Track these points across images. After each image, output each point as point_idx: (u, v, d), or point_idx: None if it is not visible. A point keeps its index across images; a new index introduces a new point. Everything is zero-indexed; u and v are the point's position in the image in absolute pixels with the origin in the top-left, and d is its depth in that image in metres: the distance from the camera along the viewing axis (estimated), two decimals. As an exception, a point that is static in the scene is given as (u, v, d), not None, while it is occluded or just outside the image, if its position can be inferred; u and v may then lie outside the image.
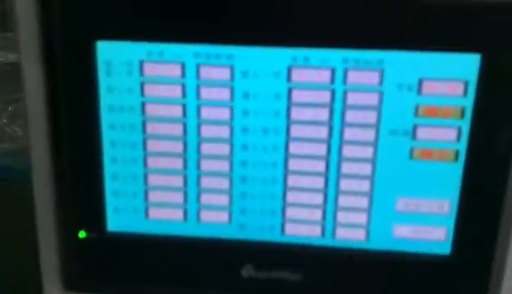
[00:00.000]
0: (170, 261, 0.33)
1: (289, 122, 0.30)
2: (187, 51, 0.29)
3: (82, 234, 0.33)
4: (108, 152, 0.31)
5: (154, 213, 0.33)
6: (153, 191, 0.32)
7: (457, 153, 0.29)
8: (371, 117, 0.29)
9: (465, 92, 0.28)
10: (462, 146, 0.29)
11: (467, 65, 0.28)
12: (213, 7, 0.28)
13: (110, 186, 0.32)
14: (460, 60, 0.28)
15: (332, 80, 0.29)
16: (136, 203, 0.32)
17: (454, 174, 0.30)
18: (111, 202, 0.32)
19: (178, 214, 0.32)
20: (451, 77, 0.28)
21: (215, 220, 0.32)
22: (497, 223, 0.30)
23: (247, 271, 0.32)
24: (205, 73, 0.30)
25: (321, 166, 0.31)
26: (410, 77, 0.28)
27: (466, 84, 0.28)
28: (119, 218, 0.33)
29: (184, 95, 0.30)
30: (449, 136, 0.29)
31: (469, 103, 0.28)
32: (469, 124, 0.29)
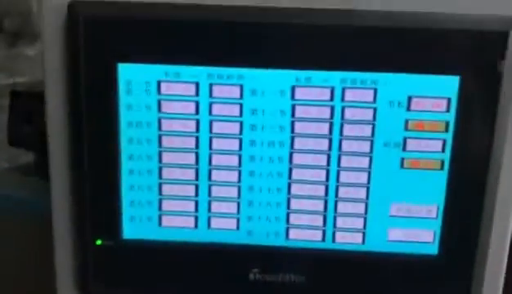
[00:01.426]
0: (182, 266, 0.35)
1: (292, 136, 0.33)
2: (201, 72, 0.32)
3: (98, 242, 0.35)
4: (125, 164, 0.34)
5: (167, 221, 0.35)
6: (166, 200, 0.35)
7: (443, 163, 0.33)
8: (366, 130, 0.33)
9: (448, 108, 0.32)
10: (447, 156, 0.33)
11: (448, 85, 0.32)
12: (225, 34, 0.32)
13: (126, 196, 0.34)
14: (442, 80, 0.32)
15: (331, 98, 0.32)
16: (151, 212, 0.35)
17: (440, 181, 0.33)
18: (127, 211, 0.35)
19: (190, 222, 0.35)
20: (435, 95, 0.32)
21: (224, 226, 0.35)
22: (479, 225, 0.34)
23: (254, 275, 0.35)
24: (217, 91, 0.33)
25: (321, 175, 0.34)
26: (400, 95, 0.32)
27: (449, 101, 0.32)
28: (133, 226, 0.35)
29: (197, 111, 0.33)
30: (435, 147, 0.33)
31: (451, 118, 0.32)
32: (452, 136, 0.32)
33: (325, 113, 0.33)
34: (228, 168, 0.34)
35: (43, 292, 0.40)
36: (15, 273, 0.98)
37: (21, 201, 0.94)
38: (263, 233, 0.35)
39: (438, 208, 0.34)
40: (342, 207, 0.34)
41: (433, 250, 0.34)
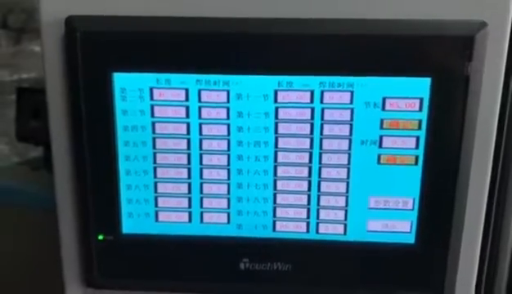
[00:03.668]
0: (177, 258, 0.38)
1: (276, 136, 0.36)
2: (190, 79, 0.35)
3: (100, 237, 0.38)
4: (123, 165, 0.37)
5: (162, 217, 0.38)
6: (162, 198, 0.37)
7: (417, 158, 0.35)
8: (345, 130, 0.35)
9: (421, 108, 0.34)
10: (421, 152, 0.35)
11: (421, 86, 0.34)
12: (211, 43, 0.34)
13: (124, 194, 0.37)
14: (415, 82, 0.34)
15: (311, 100, 0.35)
16: (148, 209, 0.38)
17: (415, 175, 0.36)
18: (126, 208, 0.38)
19: (184, 217, 0.38)
20: (408, 95, 0.34)
21: (216, 221, 0.38)
22: (451, 215, 0.36)
23: (244, 264, 0.38)
24: (205, 96, 0.35)
25: (304, 172, 0.36)
26: (376, 96, 0.34)
27: (421, 101, 0.34)
28: (132, 222, 0.38)
29: (188, 115, 0.36)
30: (409, 144, 0.35)
31: (424, 116, 0.35)
32: (425, 134, 0.35)
33: (306, 114, 0.35)
34: (218, 167, 0.37)
35: (51, 284, 0.44)
36: (25, 264, 1.02)
37: (30, 194, 0.98)
38: (252, 226, 0.38)
39: (414, 200, 0.36)
40: (324, 201, 0.37)
41: (411, 239, 0.37)
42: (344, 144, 0.35)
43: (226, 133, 0.36)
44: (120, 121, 0.36)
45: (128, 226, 0.38)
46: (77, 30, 0.34)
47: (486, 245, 0.41)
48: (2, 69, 1.44)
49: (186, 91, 0.35)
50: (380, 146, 0.35)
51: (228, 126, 0.36)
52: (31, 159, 1.16)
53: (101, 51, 0.35)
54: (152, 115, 0.36)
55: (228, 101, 0.35)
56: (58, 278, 0.40)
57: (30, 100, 1.04)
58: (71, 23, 0.34)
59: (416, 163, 0.35)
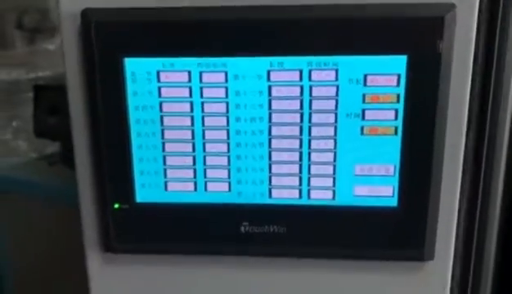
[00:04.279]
0: (185, 223, 0.43)
1: (270, 112, 0.40)
2: (192, 62, 0.39)
3: (116, 205, 0.43)
4: (135, 141, 0.41)
5: (171, 186, 0.42)
6: (170, 169, 0.42)
7: (396, 129, 0.39)
8: (331, 104, 0.39)
9: (398, 83, 0.38)
10: (399, 123, 0.39)
11: (398, 63, 0.38)
12: (210, 30, 0.38)
13: (137, 167, 0.42)
14: (392, 59, 0.38)
15: (300, 78, 0.39)
16: (158, 180, 0.42)
17: (395, 144, 0.40)
18: (139, 180, 0.42)
19: (190, 186, 0.42)
20: (387, 72, 0.38)
21: (218, 189, 0.42)
22: (429, 179, 0.40)
23: (244, 227, 0.42)
24: (206, 78, 0.40)
25: (296, 143, 0.40)
26: (358, 73, 0.38)
27: (399, 77, 0.38)
28: (144, 192, 0.42)
29: (191, 95, 0.40)
30: (389, 116, 0.39)
31: (402, 91, 0.38)
32: (403, 106, 0.39)
33: (296, 91, 0.39)
34: (219, 141, 0.41)
35: (70, 266, 0.48)
36: (43, 252, 1.07)
37: (48, 187, 1.03)
38: (250, 194, 0.42)
39: (395, 167, 0.40)
40: (314, 169, 0.41)
41: (393, 202, 0.41)
42: (331, 118, 0.40)
43: (225, 110, 0.40)
44: (132, 101, 0.40)
45: (141, 196, 0.43)
46: (91, 21, 0.38)
47: (472, 234, 0.45)
48: (19, 68, 1.50)
49: (189, 73, 0.39)
50: (363, 118, 0.39)
51: (227, 103, 0.40)
52: (48, 154, 1.21)
53: (113, 39, 0.39)
54: (159, 95, 0.40)
55: (226, 81, 0.39)
56: (74, 263, 0.45)
57: (47, 97, 1.09)
58: (86, 15, 0.39)
59: (396, 133, 0.39)
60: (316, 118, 0.40)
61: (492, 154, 0.44)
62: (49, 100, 1.08)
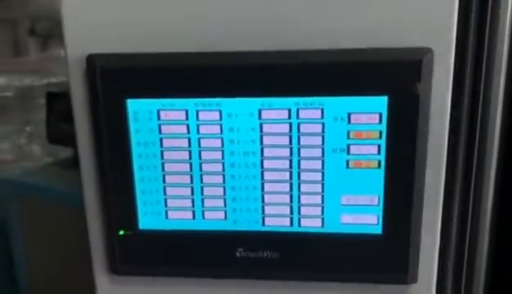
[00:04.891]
0: (184, 249, 0.46)
1: (262, 147, 0.43)
2: (189, 103, 0.42)
3: (121, 232, 0.46)
4: (138, 173, 0.45)
5: (171, 215, 0.46)
6: (170, 199, 0.45)
7: (379, 163, 0.42)
8: (318, 140, 0.42)
9: (380, 121, 0.41)
10: (382, 157, 0.42)
11: (379, 103, 0.41)
12: (206, 74, 0.41)
13: (140, 197, 0.45)
14: (374, 100, 0.41)
15: (289, 116, 0.42)
16: (159, 209, 0.46)
17: (378, 177, 0.42)
18: (141, 209, 0.46)
19: (189, 215, 0.46)
20: (369, 111, 0.41)
21: (215, 217, 0.45)
22: (411, 209, 0.43)
23: (240, 253, 0.45)
24: (202, 116, 0.43)
25: (286, 175, 0.43)
26: (342, 112, 0.41)
27: (380, 115, 0.41)
28: (147, 219, 0.46)
29: (188, 131, 0.43)
30: (372, 151, 0.42)
31: (383, 128, 0.41)
32: (385, 142, 0.42)
33: (285, 128, 0.42)
34: (215, 173, 0.44)
35: (83, 270, 0.52)
36: (58, 255, 1.11)
37: (61, 192, 1.07)
38: (245, 221, 0.45)
39: (379, 198, 0.43)
40: (304, 199, 0.44)
41: (378, 230, 0.44)
42: (318, 152, 0.43)
43: (220, 145, 0.43)
44: (134, 137, 0.44)
45: (144, 223, 0.46)
46: (96, 66, 0.42)
47: (463, 247, 0.48)
48: (32, 74, 1.54)
49: (186, 112, 0.43)
50: (348, 153, 0.42)
51: (222, 139, 0.43)
52: (62, 159, 1.25)
53: (116, 82, 0.42)
54: (160, 132, 0.44)
55: (221, 119, 0.43)
56: (87, 266, 0.49)
57: (60, 103, 1.12)
58: (91, 60, 0.42)
59: (379, 167, 0.42)
60: (304, 152, 0.43)
61: (482, 167, 0.47)
62: (62, 106, 1.11)
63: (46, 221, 1.12)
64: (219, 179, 0.44)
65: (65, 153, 1.27)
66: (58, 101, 1.15)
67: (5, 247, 1.17)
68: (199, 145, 0.44)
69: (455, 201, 0.48)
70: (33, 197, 1.12)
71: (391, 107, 0.41)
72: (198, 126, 0.43)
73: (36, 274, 1.17)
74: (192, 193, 0.45)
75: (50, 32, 1.68)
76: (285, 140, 0.43)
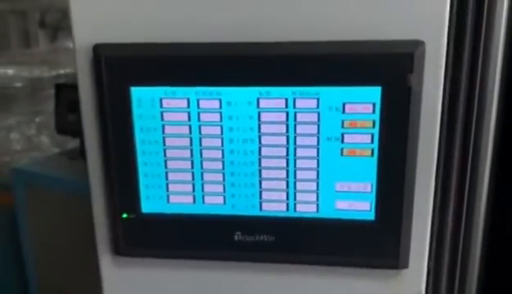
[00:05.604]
0: (185, 232, 0.48)
1: (260, 135, 0.45)
2: (190, 91, 0.44)
3: (124, 215, 0.48)
4: (141, 158, 0.47)
5: (173, 199, 0.48)
6: (172, 184, 0.47)
7: (372, 151, 0.44)
8: (313, 129, 0.44)
9: (374, 111, 0.43)
10: (375, 146, 0.43)
11: (373, 94, 0.42)
12: (206, 63, 0.43)
13: (143, 182, 0.47)
14: (368, 90, 0.42)
15: (286, 106, 0.44)
16: (161, 193, 0.48)
17: (372, 165, 0.44)
18: (144, 193, 0.48)
19: (189, 199, 0.47)
20: (363, 101, 0.43)
21: (214, 202, 0.47)
22: (403, 196, 0.44)
23: (237, 236, 0.47)
24: (203, 104, 0.44)
25: (283, 162, 0.45)
26: (337, 102, 0.43)
27: (374, 105, 0.43)
28: (149, 203, 0.48)
29: (189, 119, 0.45)
30: (366, 140, 0.43)
31: (377, 117, 0.43)
32: (378, 131, 0.43)
33: (282, 117, 0.44)
34: (215, 159, 0.46)
35: (89, 258, 0.54)
36: (64, 241, 1.14)
37: (68, 181, 1.09)
38: (243, 206, 0.47)
39: (372, 185, 0.45)
40: (300, 186, 0.46)
41: (371, 216, 0.45)
42: (313, 141, 0.44)
43: (220, 133, 0.45)
44: (137, 123, 0.46)
45: (146, 207, 0.48)
46: (102, 55, 0.44)
47: (459, 234, 0.50)
48: (42, 66, 1.57)
49: (188, 100, 0.44)
50: (342, 142, 0.44)
51: (221, 127, 0.45)
52: (69, 150, 1.27)
53: (121, 70, 0.44)
54: (162, 119, 0.45)
55: (221, 108, 0.44)
56: (92, 252, 0.51)
57: (68, 95, 1.14)
58: (97, 49, 0.44)
59: (372, 155, 0.44)
60: (300, 140, 0.44)
61: (478, 157, 0.48)
62: (70, 98, 1.13)
63: (52, 209, 1.15)
64: (219, 165, 0.46)
65: (72, 144, 1.29)
66: (66, 93, 1.17)
67: (13, 234, 1.20)
68: (200, 132, 0.45)
69: (451, 189, 0.49)
70: (40, 186, 1.15)
71: (384, 97, 0.42)
72: (199, 113, 0.45)
73: (43, 260, 1.19)
74: (193, 179, 0.47)
75: (59, 23, 1.70)
76: (282, 129, 0.44)
